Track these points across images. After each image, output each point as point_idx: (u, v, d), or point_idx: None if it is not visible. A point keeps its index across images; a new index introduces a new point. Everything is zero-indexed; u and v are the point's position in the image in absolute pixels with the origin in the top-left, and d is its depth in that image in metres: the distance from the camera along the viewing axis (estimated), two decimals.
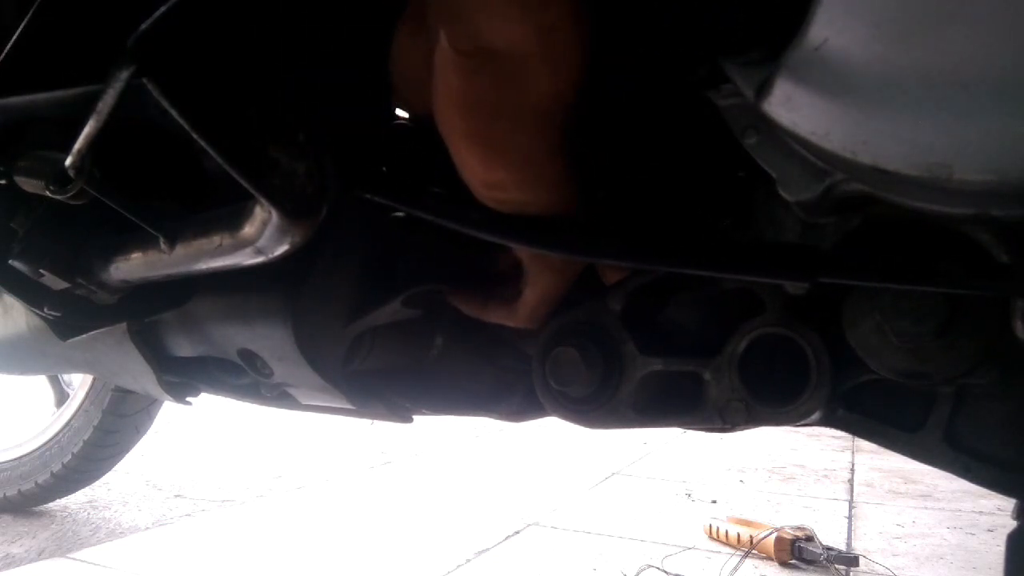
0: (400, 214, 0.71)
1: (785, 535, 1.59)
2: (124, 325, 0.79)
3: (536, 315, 0.67)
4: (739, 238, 0.59)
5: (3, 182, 0.63)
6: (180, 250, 0.64)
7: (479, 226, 0.56)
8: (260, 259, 0.59)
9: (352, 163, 0.57)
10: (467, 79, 0.50)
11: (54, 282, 0.70)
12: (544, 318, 0.67)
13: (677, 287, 0.66)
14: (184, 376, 0.86)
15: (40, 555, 1.67)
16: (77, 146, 0.55)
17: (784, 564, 1.59)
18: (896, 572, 1.56)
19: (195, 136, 0.49)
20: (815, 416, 0.60)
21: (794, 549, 1.58)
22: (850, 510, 2.07)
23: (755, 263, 0.53)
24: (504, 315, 0.68)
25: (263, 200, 0.53)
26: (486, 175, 0.55)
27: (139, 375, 0.86)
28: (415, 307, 0.71)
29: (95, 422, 1.81)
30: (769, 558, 1.61)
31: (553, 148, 0.54)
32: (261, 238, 0.57)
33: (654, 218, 0.64)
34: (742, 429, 0.66)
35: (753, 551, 1.62)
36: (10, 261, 0.69)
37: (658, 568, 1.55)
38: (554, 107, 0.52)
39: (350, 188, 0.57)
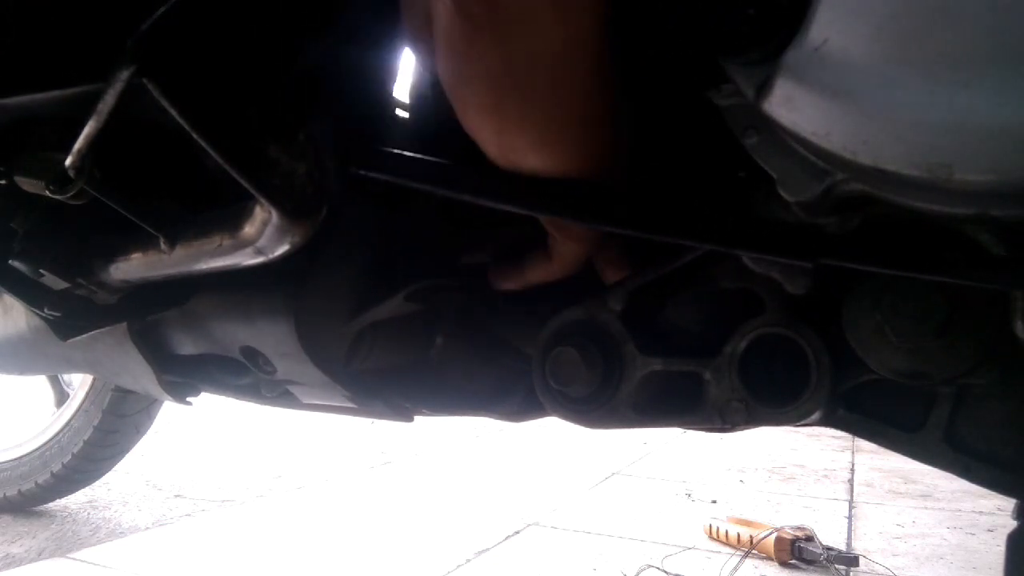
0: (401, 212, 0.71)
1: (785, 535, 1.60)
2: (124, 325, 0.79)
3: (574, 269, 0.66)
4: (742, 219, 0.59)
5: (3, 182, 0.63)
6: (180, 250, 0.64)
7: (481, 193, 0.54)
8: (260, 259, 0.59)
9: (351, 148, 0.57)
10: (472, 41, 0.47)
11: (54, 282, 0.71)
12: (584, 265, 0.66)
13: (677, 286, 0.66)
14: (184, 376, 0.86)
15: (40, 555, 1.67)
16: (77, 146, 0.55)
17: (784, 564, 1.59)
18: (896, 572, 1.56)
19: (195, 136, 0.49)
20: (815, 416, 0.60)
21: (794, 549, 1.58)
22: (850, 510, 2.07)
23: (758, 240, 0.52)
24: (544, 273, 0.67)
25: (263, 200, 0.53)
26: (502, 142, 0.52)
27: (139, 375, 0.86)
28: (417, 302, 0.71)
29: (95, 422, 1.81)
30: (769, 558, 1.61)
31: (572, 112, 0.51)
32: (261, 238, 0.57)
33: (654, 204, 0.64)
34: (742, 429, 0.66)
35: (753, 551, 1.62)
36: (10, 261, 0.69)
37: (658, 568, 1.55)
38: (567, 64, 0.48)
39: (347, 167, 0.56)
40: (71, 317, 0.76)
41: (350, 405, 0.79)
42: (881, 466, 2.63)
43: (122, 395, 1.80)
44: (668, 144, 0.63)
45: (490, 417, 0.85)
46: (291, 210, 0.54)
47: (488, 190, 0.55)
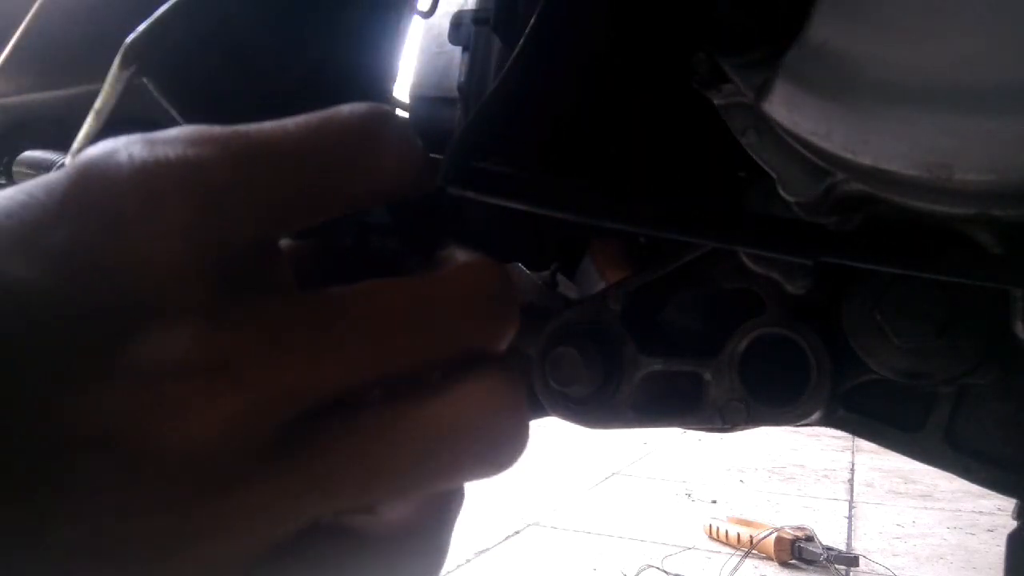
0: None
1: (785, 535, 1.60)
2: None
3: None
4: (743, 217, 0.58)
5: (3, 182, 0.63)
6: None
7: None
8: None
9: None
10: None
11: None
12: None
13: (677, 286, 0.66)
14: None
15: None
16: (76, 146, 0.55)
17: (784, 564, 1.59)
18: (896, 572, 1.56)
19: None
20: (815, 416, 0.60)
21: (794, 549, 1.59)
22: (850, 510, 2.07)
23: (760, 237, 0.52)
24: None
25: None
26: None
27: None
28: None
29: None
30: (769, 558, 1.61)
31: None
32: None
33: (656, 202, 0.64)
34: (742, 429, 0.66)
35: (753, 551, 1.62)
36: None
37: (658, 568, 1.56)
38: None
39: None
40: None
41: None
42: (881, 466, 2.63)
43: None
44: (669, 143, 0.63)
45: None
46: None
47: (497, 186, 0.55)
